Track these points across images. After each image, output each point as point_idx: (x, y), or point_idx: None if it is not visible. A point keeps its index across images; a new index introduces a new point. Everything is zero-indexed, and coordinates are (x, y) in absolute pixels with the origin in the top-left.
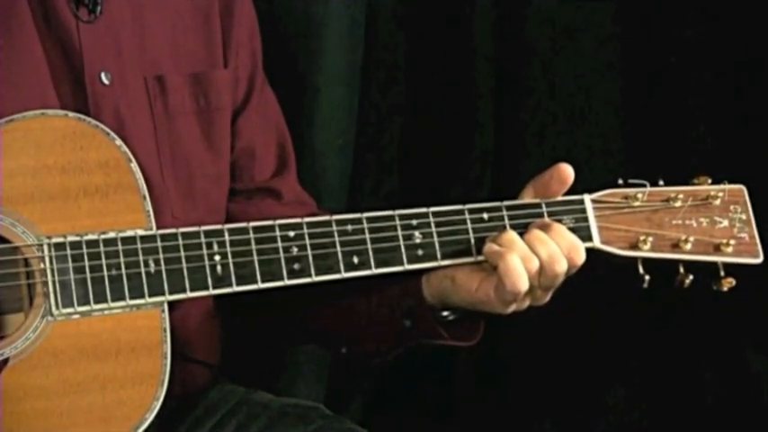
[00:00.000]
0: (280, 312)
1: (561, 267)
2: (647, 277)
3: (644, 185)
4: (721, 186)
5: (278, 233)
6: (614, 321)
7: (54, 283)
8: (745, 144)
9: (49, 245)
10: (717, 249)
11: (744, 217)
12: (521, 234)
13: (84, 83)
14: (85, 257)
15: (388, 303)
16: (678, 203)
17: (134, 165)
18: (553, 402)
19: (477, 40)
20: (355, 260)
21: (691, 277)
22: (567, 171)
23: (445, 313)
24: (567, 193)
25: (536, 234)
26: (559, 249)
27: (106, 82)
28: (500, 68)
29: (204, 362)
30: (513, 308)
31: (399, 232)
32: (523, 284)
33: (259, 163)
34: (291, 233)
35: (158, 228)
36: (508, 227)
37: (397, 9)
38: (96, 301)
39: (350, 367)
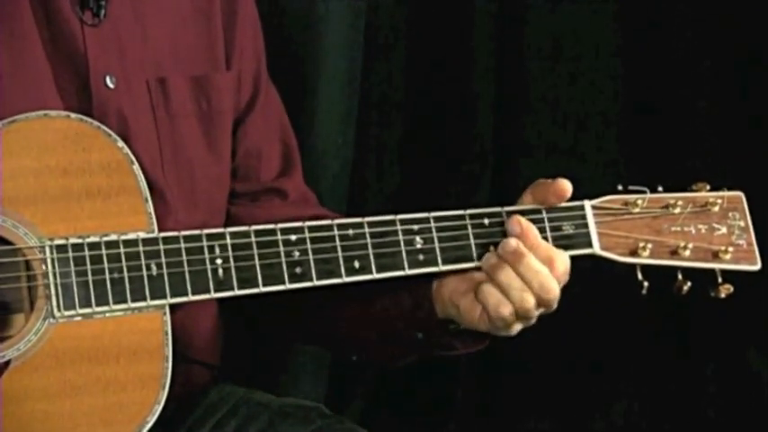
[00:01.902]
0: (290, 316)
1: (530, 303)
2: (645, 283)
3: (644, 192)
4: (720, 193)
5: (279, 237)
6: (615, 322)
7: (56, 285)
8: (744, 151)
9: (50, 247)
10: (715, 256)
11: (742, 224)
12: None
13: (90, 86)
14: (87, 260)
15: (400, 317)
16: (677, 210)
17: (136, 167)
18: (553, 402)
19: (476, 40)
20: (356, 265)
21: (689, 284)
22: (565, 187)
23: (454, 325)
24: (568, 199)
25: (505, 275)
26: (527, 285)
27: (111, 85)
28: (500, 68)
29: (205, 362)
30: (517, 327)
31: (401, 237)
32: (511, 330)
33: (265, 163)
34: (293, 237)
35: (161, 230)
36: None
37: (397, 9)
38: (98, 304)
39: (351, 366)
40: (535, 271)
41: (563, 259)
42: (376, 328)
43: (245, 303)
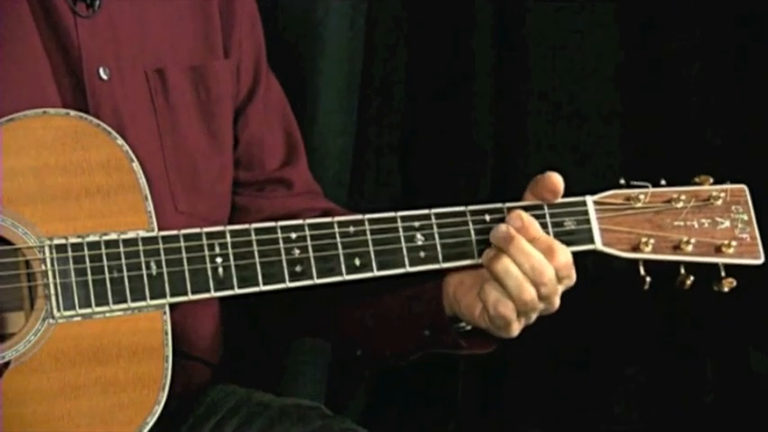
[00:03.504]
0: (296, 311)
1: (529, 294)
2: (648, 279)
3: (646, 187)
4: (723, 186)
5: (279, 235)
6: (615, 322)
7: (55, 285)
8: (747, 144)
9: (50, 246)
10: (718, 250)
11: (745, 217)
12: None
13: (83, 79)
14: (87, 259)
15: (407, 313)
16: (680, 204)
17: (136, 165)
18: (553, 402)
19: (476, 40)
20: (357, 262)
21: (692, 278)
22: (555, 180)
23: (462, 324)
24: (569, 195)
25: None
26: (520, 268)
27: (105, 77)
28: (500, 68)
29: (205, 361)
30: (517, 328)
31: (401, 234)
32: (513, 331)
33: (268, 152)
34: (293, 235)
35: (163, 223)
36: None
37: (398, 9)
38: (98, 304)
39: (351, 365)
40: (527, 253)
41: (564, 251)
42: (383, 323)
43: (247, 299)
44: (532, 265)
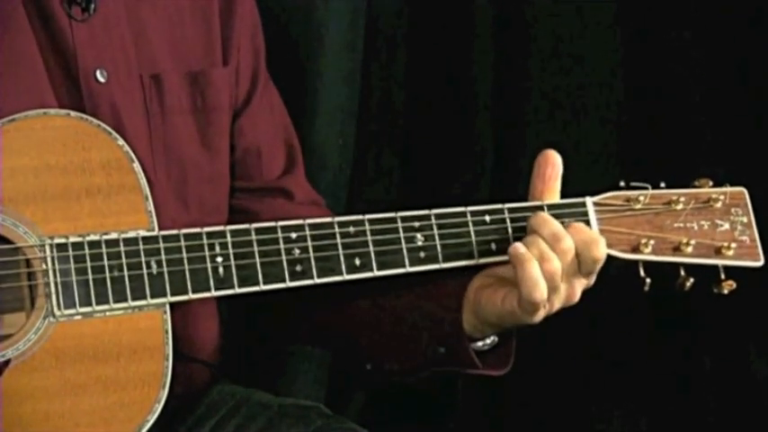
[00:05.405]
0: (306, 321)
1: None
2: (647, 280)
3: (646, 188)
4: (722, 189)
5: (280, 234)
6: (615, 323)
7: (56, 284)
8: (747, 146)
9: (50, 245)
10: (718, 252)
11: (745, 220)
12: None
13: (79, 81)
14: (87, 258)
15: (423, 328)
16: (680, 206)
17: (136, 165)
18: (553, 403)
19: (476, 40)
20: (357, 262)
21: (691, 280)
22: (551, 154)
23: (480, 344)
24: (569, 196)
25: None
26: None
27: (102, 80)
28: (500, 68)
29: (205, 362)
30: (541, 314)
31: (401, 234)
32: (540, 293)
33: (267, 161)
34: (293, 234)
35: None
36: (539, 218)
37: (397, 9)
38: (98, 303)
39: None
40: (547, 221)
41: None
42: (399, 339)
43: (248, 301)
44: (552, 232)
